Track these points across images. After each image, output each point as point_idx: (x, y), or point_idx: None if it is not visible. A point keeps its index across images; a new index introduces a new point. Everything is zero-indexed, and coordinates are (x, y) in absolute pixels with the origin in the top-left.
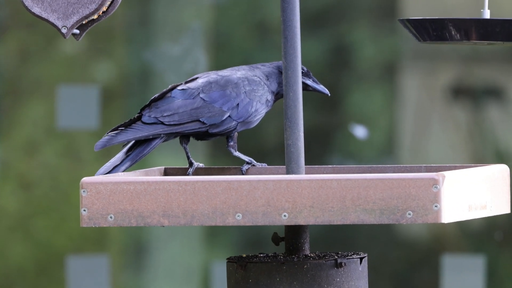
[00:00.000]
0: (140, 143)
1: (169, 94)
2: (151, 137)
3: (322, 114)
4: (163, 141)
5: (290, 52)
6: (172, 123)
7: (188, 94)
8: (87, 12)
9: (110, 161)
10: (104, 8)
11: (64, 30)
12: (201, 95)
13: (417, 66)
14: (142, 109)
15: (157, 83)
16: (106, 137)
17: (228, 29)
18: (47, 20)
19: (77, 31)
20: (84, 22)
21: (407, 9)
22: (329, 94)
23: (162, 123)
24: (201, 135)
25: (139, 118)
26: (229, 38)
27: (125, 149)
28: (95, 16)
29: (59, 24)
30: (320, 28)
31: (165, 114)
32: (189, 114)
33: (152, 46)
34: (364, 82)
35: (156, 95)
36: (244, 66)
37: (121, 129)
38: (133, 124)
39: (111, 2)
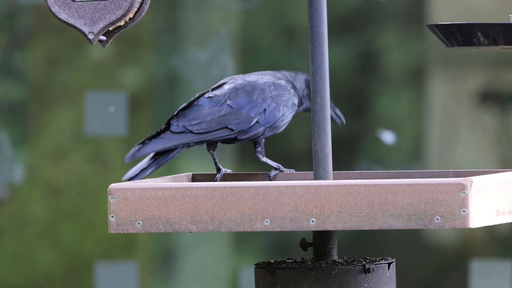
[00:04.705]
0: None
1: (196, 103)
2: (180, 146)
3: (349, 120)
4: (187, 147)
5: (317, 58)
6: (200, 131)
7: (215, 102)
8: (114, 18)
9: (137, 165)
10: (131, 15)
11: (91, 36)
12: (228, 102)
13: (444, 71)
14: (170, 119)
15: (185, 89)
16: (136, 148)
17: (255, 35)
18: (74, 26)
19: (104, 38)
20: (111, 29)
21: (434, 14)
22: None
23: (190, 131)
24: (229, 140)
25: (167, 128)
26: (256, 43)
27: (150, 155)
28: (122, 23)
29: (85, 30)
30: (347, 34)
31: (193, 123)
32: (217, 121)
33: (180, 52)
34: (392, 87)
35: (183, 105)
36: (269, 71)
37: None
38: (162, 134)
39: (138, 9)
